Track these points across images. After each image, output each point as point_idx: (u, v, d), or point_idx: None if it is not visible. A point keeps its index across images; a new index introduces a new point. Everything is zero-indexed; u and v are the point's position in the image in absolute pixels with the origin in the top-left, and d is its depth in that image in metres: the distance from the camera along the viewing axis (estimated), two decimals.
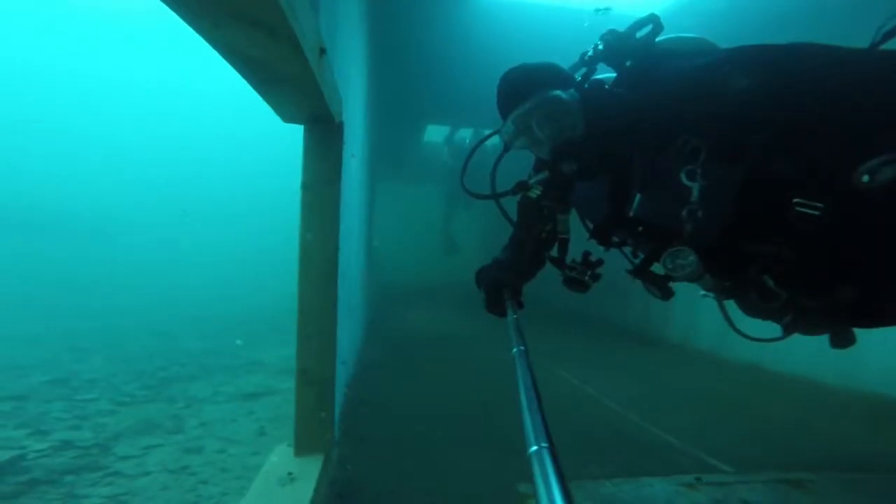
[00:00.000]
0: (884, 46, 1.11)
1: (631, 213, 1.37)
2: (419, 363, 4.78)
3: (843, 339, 1.36)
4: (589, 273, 1.44)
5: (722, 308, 1.51)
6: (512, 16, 4.90)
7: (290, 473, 1.56)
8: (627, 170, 1.38)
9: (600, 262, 1.46)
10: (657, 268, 1.45)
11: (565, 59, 1.44)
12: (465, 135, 9.45)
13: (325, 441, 1.75)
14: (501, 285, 1.48)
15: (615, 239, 1.50)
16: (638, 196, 1.36)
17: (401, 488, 2.09)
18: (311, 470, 1.61)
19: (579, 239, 1.51)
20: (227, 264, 17.40)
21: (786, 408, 3.61)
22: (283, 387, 4.47)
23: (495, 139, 1.65)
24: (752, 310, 1.44)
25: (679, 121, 1.20)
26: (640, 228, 1.37)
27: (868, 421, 3.29)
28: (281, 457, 1.72)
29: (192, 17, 0.95)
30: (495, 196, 1.63)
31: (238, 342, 6.24)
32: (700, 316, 5.66)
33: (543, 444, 0.49)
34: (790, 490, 2.13)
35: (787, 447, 2.78)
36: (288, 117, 1.71)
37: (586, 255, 1.48)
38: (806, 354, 4.09)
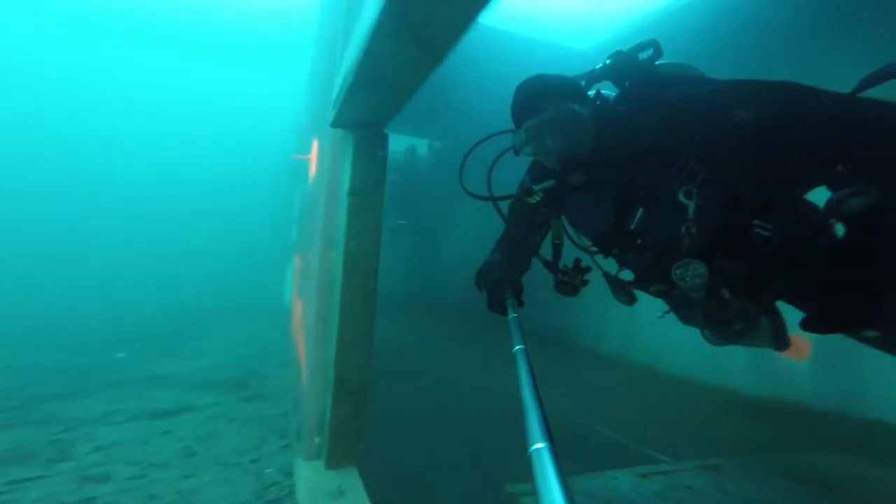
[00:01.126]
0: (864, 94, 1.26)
1: (632, 226, 1.43)
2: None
3: (783, 343, 1.49)
4: (580, 278, 1.57)
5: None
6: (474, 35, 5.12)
7: (338, 487, 1.52)
8: (631, 185, 1.44)
9: (589, 269, 1.63)
10: (625, 274, 1.70)
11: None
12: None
13: (357, 452, 1.71)
14: (503, 285, 1.53)
15: (615, 249, 1.59)
16: (641, 210, 1.42)
17: None
18: (354, 483, 1.58)
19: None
20: (112, 270, 15.03)
21: (683, 403, 4.21)
22: (203, 402, 4.08)
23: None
24: (694, 319, 1.55)
25: (682, 143, 1.29)
26: (640, 241, 1.46)
27: (745, 413, 3.93)
28: (313, 471, 1.65)
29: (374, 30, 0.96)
30: (493, 199, 1.75)
31: (120, 355, 5.53)
32: (609, 323, 6.35)
33: (544, 443, 0.49)
34: (713, 474, 2.51)
35: (696, 437, 3.23)
36: (341, 122, 1.68)
37: (577, 261, 1.65)
38: (689, 358, 4.84)
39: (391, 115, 1.62)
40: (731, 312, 1.44)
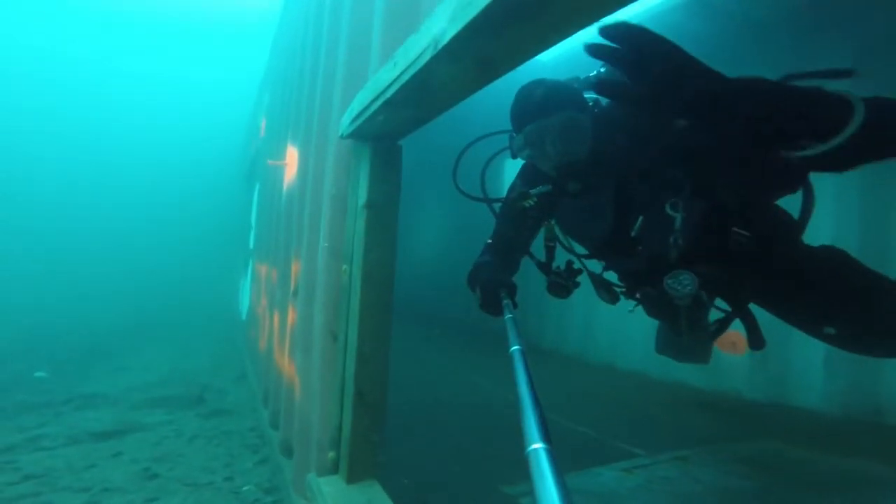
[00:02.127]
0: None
1: (633, 234, 1.49)
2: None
3: (758, 342, 1.56)
4: (572, 280, 1.65)
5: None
6: None
7: (368, 500, 1.51)
8: (627, 194, 1.50)
9: (580, 271, 1.73)
10: (609, 275, 1.82)
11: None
12: None
13: (375, 465, 1.71)
14: (498, 286, 1.56)
15: (610, 255, 1.69)
16: (640, 218, 1.48)
17: None
18: (380, 495, 1.57)
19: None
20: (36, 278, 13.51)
21: (642, 398, 4.47)
22: (152, 421, 3.88)
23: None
24: (669, 319, 1.62)
25: (667, 154, 1.34)
26: (639, 248, 1.52)
27: (697, 406, 4.23)
28: (334, 486, 1.62)
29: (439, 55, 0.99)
30: (487, 200, 1.81)
31: (39, 374, 5.10)
32: (569, 324, 6.59)
33: (542, 444, 0.50)
34: (683, 464, 2.73)
35: (661, 430, 3.46)
36: (358, 134, 1.68)
37: (570, 263, 1.75)
38: (642, 355, 5.16)
39: (413, 130, 1.64)
40: (706, 315, 1.55)
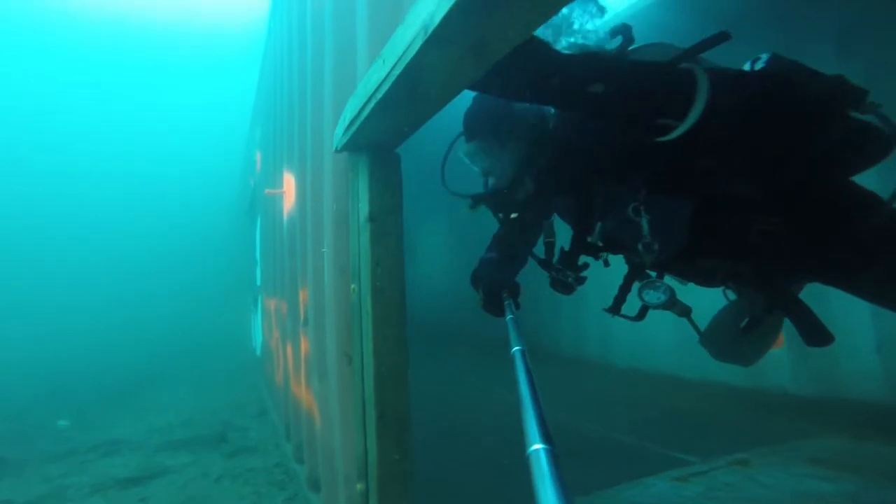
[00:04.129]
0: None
1: (590, 240, 1.45)
2: None
3: (817, 336, 1.36)
4: (573, 275, 1.54)
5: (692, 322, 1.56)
6: None
7: None
8: (587, 198, 1.46)
9: (585, 266, 1.63)
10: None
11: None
12: None
13: (406, 488, 1.60)
14: (500, 286, 1.52)
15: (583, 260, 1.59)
16: (599, 224, 1.43)
17: None
18: None
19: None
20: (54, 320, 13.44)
21: (676, 400, 4.27)
22: (178, 463, 3.78)
23: None
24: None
25: (619, 155, 1.27)
26: (602, 254, 1.49)
27: (738, 404, 4.03)
28: None
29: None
30: (485, 197, 1.71)
31: (62, 423, 5.03)
32: (586, 328, 6.44)
33: (542, 445, 0.49)
34: (744, 469, 2.49)
35: (706, 433, 3.25)
36: (353, 145, 1.61)
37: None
38: (671, 355, 4.97)
39: (409, 134, 1.57)
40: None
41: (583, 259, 1.60)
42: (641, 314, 1.42)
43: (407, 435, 1.61)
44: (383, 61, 1.20)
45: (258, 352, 7.08)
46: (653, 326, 5.18)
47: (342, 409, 1.78)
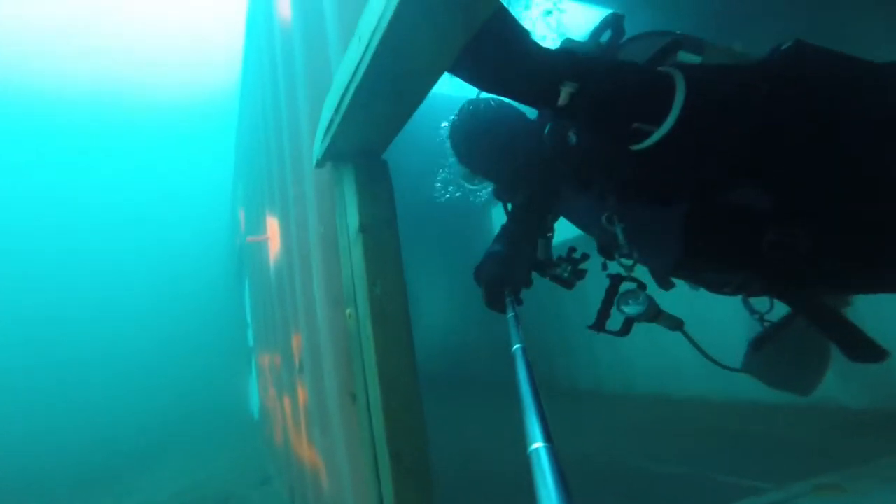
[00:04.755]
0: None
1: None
2: None
3: (869, 353, 1.18)
4: (570, 269, 1.45)
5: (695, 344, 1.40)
6: None
7: None
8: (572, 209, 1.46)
9: (585, 258, 1.49)
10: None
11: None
12: None
13: None
14: (502, 282, 1.43)
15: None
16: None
17: None
18: None
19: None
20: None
21: (719, 423, 3.93)
22: None
23: None
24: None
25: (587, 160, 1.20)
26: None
27: (797, 424, 3.65)
28: None
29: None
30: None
31: None
32: (603, 360, 6.15)
33: (543, 443, 0.49)
34: (840, 494, 2.10)
35: (770, 456, 2.91)
36: (333, 153, 1.46)
37: (570, 251, 1.52)
38: (699, 378, 4.69)
39: (390, 136, 1.43)
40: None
41: (579, 253, 1.50)
42: (625, 329, 1.27)
43: (428, 476, 1.37)
44: (359, 39, 1.07)
45: (256, 415, 6.68)
46: (675, 348, 4.95)
47: (351, 457, 1.54)
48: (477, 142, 1.43)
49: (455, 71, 1.07)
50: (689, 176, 1.12)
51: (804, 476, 2.30)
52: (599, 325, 1.36)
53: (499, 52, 0.96)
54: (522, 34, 0.97)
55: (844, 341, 1.18)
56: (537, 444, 0.49)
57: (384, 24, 0.92)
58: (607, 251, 1.41)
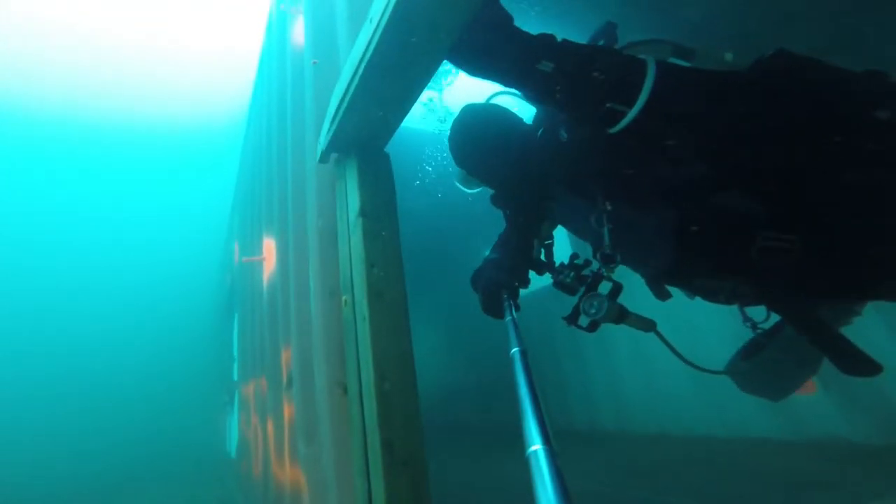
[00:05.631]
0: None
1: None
2: None
3: (862, 366, 1.15)
4: (573, 275, 1.46)
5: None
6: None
7: None
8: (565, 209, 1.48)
9: (587, 264, 1.51)
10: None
11: None
12: None
13: None
14: (499, 287, 1.42)
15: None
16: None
17: None
18: None
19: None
20: None
21: (729, 461, 3.77)
22: None
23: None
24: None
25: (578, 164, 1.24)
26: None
27: (808, 461, 3.49)
28: None
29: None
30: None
31: None
32: (598, 397, 6.00)
33: (542, 444, 0.50)
34: None
35: (789, 492, 2.81)
36: (337, 145, 1.49)
37: (573, 257, 1.54)
38: (700, 416, 4.57)
39: (392, 124, 1.47)
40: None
41: (581, 259, 1.50)
42: (592, 327, 1.27)
43: (423, 468, 1.30)
44: (370, 20, 1.13)
45: (233, 454, 6.36)
46: (672, 385, 4.84)
47: (337, 455, 1.47)
48: (473, 141, 1.47)
49: (450, 56, 1.14)
50: (668, 168, 1.14)
51: None
52: (572, 319, 1.35)
53: (485, 35, 1.04)
54: (506, 19, 1.05)
55: (836, 354, 1.15)
56: (536, 447, 0.49)
57: (392, 5, 1.00)
58: (598, 255, 1.42)
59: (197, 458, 8.68)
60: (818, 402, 3.75)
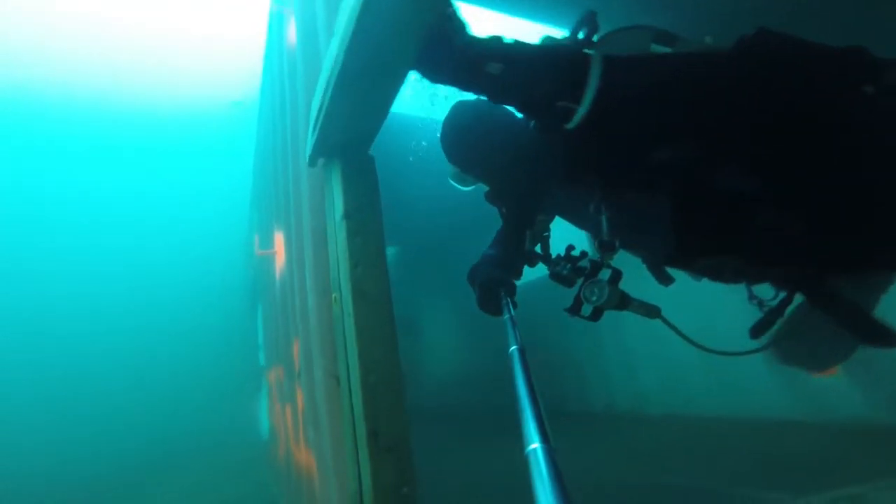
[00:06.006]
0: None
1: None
2: None
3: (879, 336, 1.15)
4: (570, 267, 1.45)
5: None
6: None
7: None
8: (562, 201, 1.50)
9: (583, 255, 1.52)
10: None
11: None
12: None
13: None
14: (497, 284, 1.44)
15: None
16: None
17: None
18: None
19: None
20: None
21: (742, 440, 3.75)
22: None
23: None
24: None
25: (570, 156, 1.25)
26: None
27: (823, 440, 3.44)
28: None
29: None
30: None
31: None
32: (616, 381, 6.04)
33: (540, 443, 0.50)
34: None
35: (793, 470, 2.78)
36: (322, 149, 1.56)
37: (568, 249, 1.55)
38: (715, 396, 4.56)
39: (372, 128, 1.52)
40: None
41: (578, 250, 1.52)
42: (595, 315, 1.31)
43: (408, 454, 1.39)
44: (336, 34, 1.19)
45: (265, 436, 6.67)
46: (685, 366, 4.85)
47: (333, 440, 1.58)
48: (464, 136, 1.49)
49: (415, 66, 1.18)
50: (660, 152, 1.15)
51: (831, 486, 2.21)
52: (575, 309, 1.39)
53: (441, 45, 1.07)
54: (459, 27, 1.08)
55: (852, 324, 1.18)
56: (534, 445, 0.50)
57: (353, 20, 1.04)
58: (599, 244, 1.43)
59: (233, 442, 9.09)
60: (839, 383, 3.70)
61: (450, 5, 1.06)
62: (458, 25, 1.08)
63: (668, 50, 1.20)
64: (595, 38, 1.27)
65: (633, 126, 1.10)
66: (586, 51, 1.09)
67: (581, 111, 1.02)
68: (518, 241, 1.60)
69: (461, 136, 1.51)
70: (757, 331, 1.40)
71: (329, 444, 1.64)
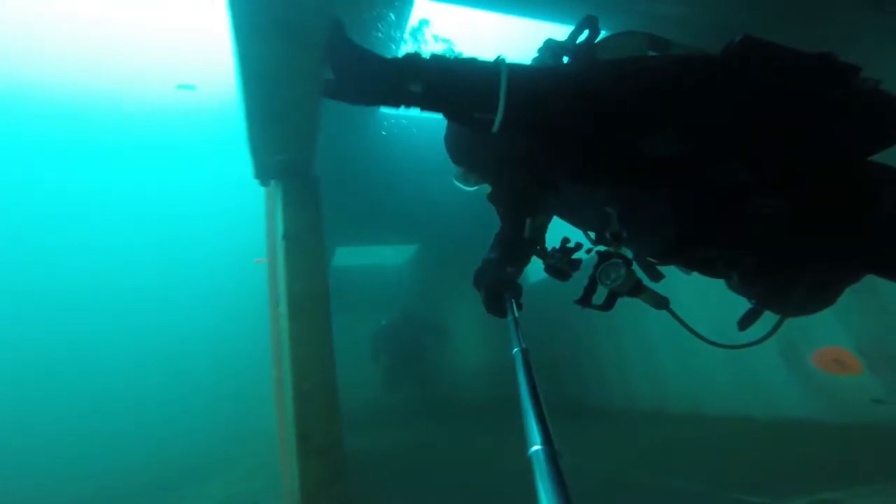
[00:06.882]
0: None
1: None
2: None
3: None
4: (565, 260, 1.50)
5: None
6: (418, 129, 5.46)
7: None
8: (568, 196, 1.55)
9: (578, 247, 1.55)
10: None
11: None
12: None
13: None
14: (501, 286, 1.44)
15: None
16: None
17: None
18: None
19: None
20: None
21: (744, 441, 3.70)
22: None
23: None
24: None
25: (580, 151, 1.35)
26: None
27: (818, 441, 3.44)
28: None
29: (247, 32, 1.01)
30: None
31: None
32: (635, 376, 5.98)
33: (542, 445, 0.50)
34: None
35: (782, 473, 2.77)
36: (263, 170, 1.69)
37: (564, 241, 1.58)
38: (737, 394, 4.48)
39: (307, 155, 1.63)
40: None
41: (573, 243, 1.58)
42: (609, 303, 1.35)
43: (339, 455, 1.51)
44: (236, 78, 1.31)
45: None
46: (710, 365, 4.73)
47: (281, 441, 1.71)
48: (464, 136, 1.54)
49: (336, 97, 1.26)
50: (650, 148, 1.20)
51: (813, 491, 2.21)
52: (585, 299, 1.44)
53: (352, 72, 1.10)
54: (364, 53, 1.17)
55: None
56: (537, 447, 0.50)
57: (240, 62, 1.16)
58: (603, 237, 1.46)
59: (257, 442, 9.15)
60: (864, 384, 3.60)
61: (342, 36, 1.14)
62: (363, 50, 1.15)
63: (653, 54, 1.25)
64: (597, 41, 1.34)
65: (565, 123, 1.14)
66: (499, 61, 1.14)
67: (497, 119, 1.09)
68: (517, 241, 1.66)
69: (461, 136, 1.55)
70: (745, 322, 1.43)
71: (277, 444, 1.78)
